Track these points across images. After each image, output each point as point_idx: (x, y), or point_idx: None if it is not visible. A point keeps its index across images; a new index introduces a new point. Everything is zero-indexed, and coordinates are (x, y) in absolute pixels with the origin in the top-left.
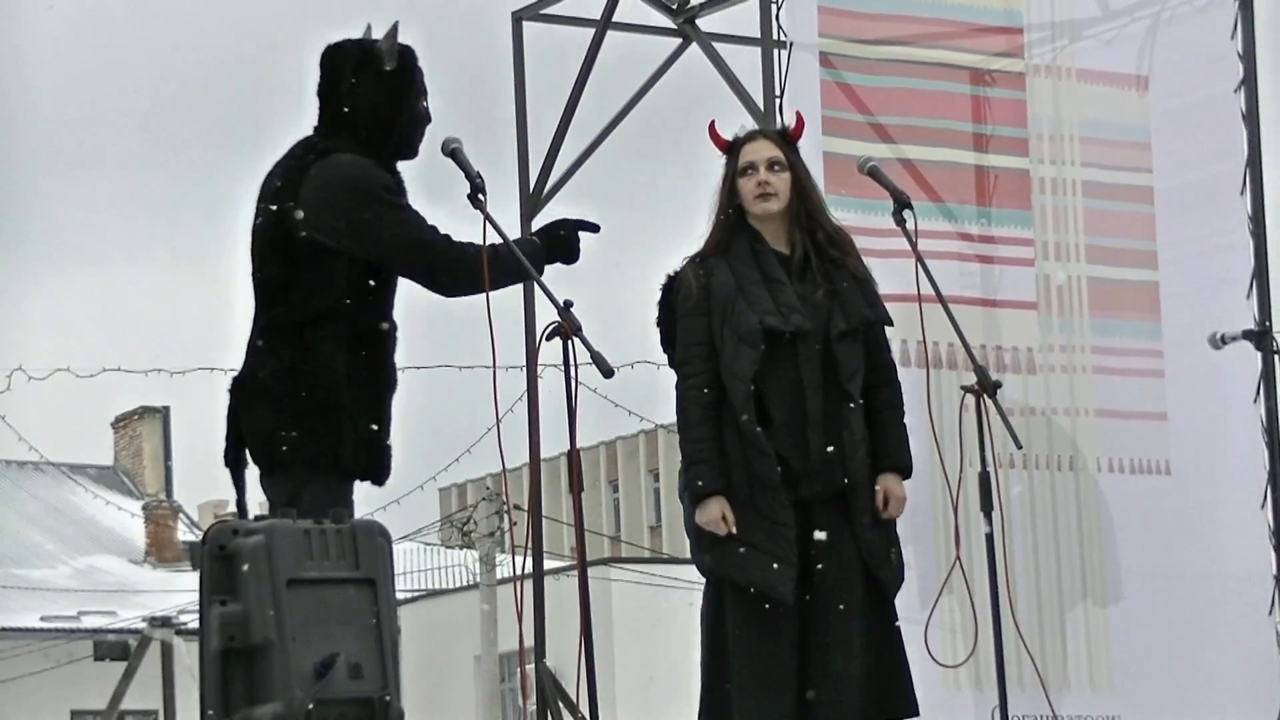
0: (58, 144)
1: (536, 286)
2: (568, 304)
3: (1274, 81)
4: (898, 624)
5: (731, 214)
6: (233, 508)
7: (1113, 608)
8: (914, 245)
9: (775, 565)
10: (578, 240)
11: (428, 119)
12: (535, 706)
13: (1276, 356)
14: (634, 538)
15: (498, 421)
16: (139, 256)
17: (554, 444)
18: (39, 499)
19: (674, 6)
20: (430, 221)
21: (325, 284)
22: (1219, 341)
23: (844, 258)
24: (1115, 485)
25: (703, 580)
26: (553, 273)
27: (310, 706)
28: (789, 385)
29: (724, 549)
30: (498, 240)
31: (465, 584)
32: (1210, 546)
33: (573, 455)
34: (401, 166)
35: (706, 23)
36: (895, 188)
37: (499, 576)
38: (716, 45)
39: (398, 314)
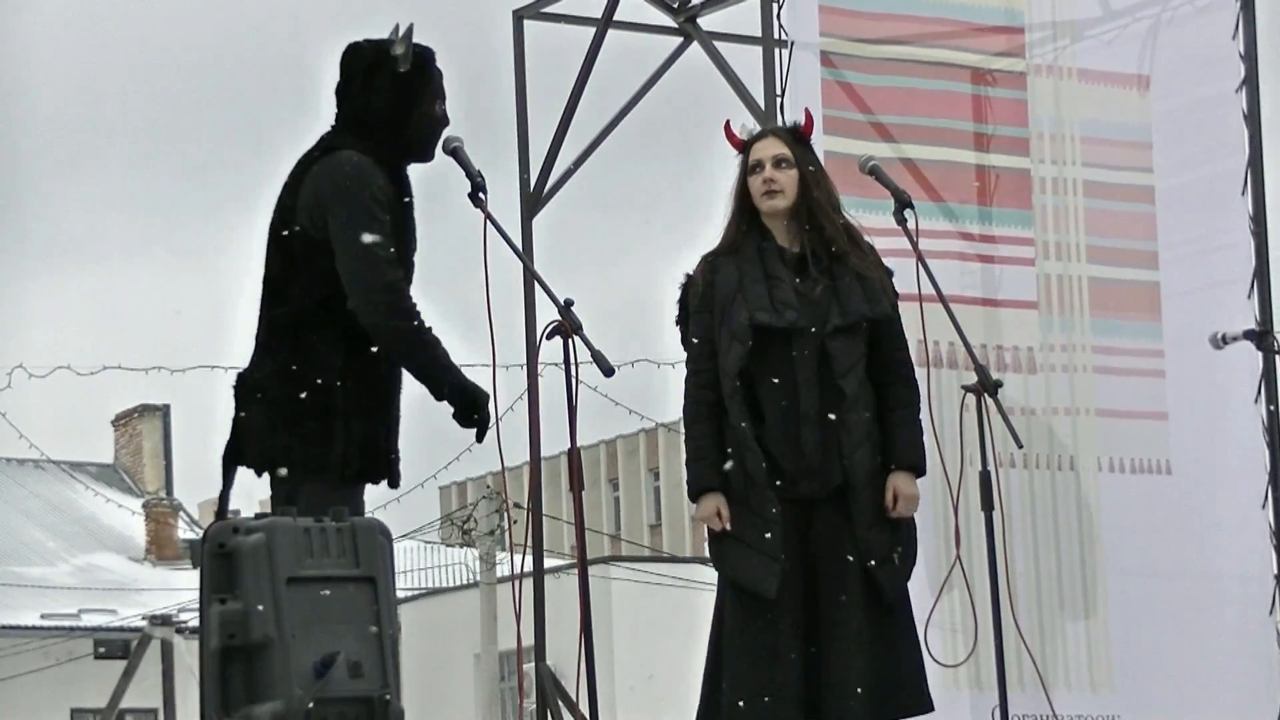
0: (58, 144)
1: (537, 285)
2: (568, 302)
3: (1275, 81)
4: (909, 621)
5: (744, 212)
6: (233, 507)
7: (1113, 607)
8: (915, 245)
9: (758, 561)
10: (472, 418)
11: (445, 122)
12: (535, 706)
13: (1277, 357)
14: (634, 536)
15: (498, 420)
16: (139, 256)
17: (554, 442)
18: (39, 496)
19: (675, 5)
20: (405, 282)
21: (323, 282)
22: (1220, 341)
23: (848, 254)
24: (1115, 485)
25: (702, 580)
26: (553, 273)
27: (310, 705)
28: (783, 382)
29: (720, 545)
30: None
31: (465, 582)
32: (1210, 546)
33: (573, 454)
34: (411, 169)
35: (707, 22)
36: (896, 187)
37: (499, 575)
38: (717, 44)
39: None
